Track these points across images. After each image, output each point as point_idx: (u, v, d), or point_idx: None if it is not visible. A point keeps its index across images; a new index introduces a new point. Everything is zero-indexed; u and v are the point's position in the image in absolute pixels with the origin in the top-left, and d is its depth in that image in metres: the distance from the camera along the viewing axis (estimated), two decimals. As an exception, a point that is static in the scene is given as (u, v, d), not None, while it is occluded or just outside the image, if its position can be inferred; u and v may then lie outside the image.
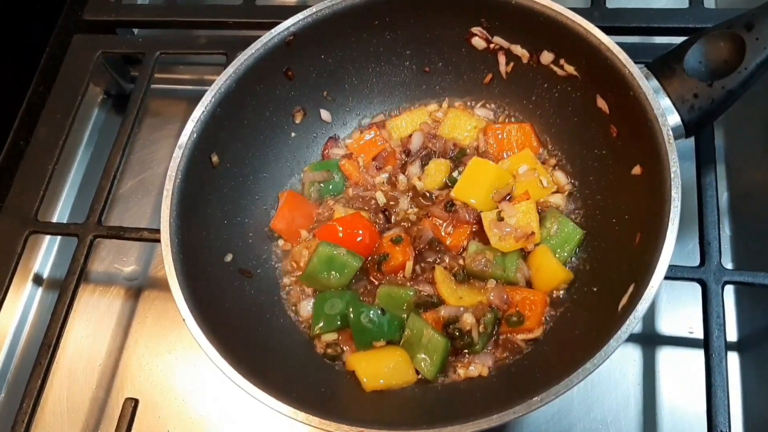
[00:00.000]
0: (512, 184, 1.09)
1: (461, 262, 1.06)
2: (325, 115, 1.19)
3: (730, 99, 0.96)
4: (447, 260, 1.07)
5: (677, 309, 1.12)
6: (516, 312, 0.99)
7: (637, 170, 0.96)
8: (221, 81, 1.03)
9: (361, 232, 1.07)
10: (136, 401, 1.04)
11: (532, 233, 1.03)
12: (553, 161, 1.12)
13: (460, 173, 1.12)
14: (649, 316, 1.12)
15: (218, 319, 0.92)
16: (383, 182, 1.16)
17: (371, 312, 0.99)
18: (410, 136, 1.17)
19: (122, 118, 1.26)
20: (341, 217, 1.10)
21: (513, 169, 1.10)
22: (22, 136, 1.32)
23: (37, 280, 1.31)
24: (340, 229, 1.07)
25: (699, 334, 0.99)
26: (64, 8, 1.48)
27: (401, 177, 1.15)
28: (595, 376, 0.81)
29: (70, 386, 1.17)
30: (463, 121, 1.16)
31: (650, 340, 1.09)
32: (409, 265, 1.06)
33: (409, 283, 1.05)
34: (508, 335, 1.00)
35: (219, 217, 1.05)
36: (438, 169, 1.13)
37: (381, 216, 1.11)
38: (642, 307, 0.81)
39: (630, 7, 1.24)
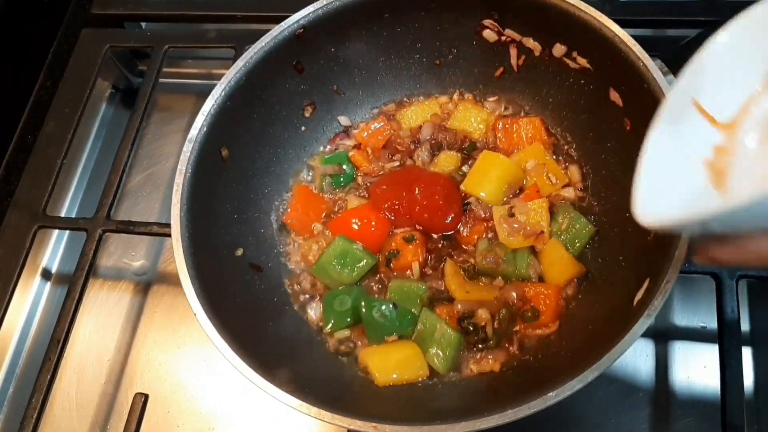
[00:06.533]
0: (523, 178, 1.08)
1: (472, 259, 1.05)
2: (344, 120, 1.19)
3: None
4: (458, 256, 1.06)
5: (690, 303, 1.10)
6: (531, 307, 0.98)
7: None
8: (231, 74, 1.02)
9: (374, 223, 1.06)
10: (146, 396, 1.03)
11: (542, 232, 1.03)
12: (564, 155, 1.11)
13: (470, 167, 1.11)
14: (662, 311, 1.11)
15: (229, 313, 0.91)
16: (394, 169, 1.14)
17: (383, 306, 0.98)
18: (420, 126, 1.16)
19: (130, 113, 1.25)
20: (353, 208, 1.09)
21: (522, 163, 1.09)
22: (30, 131, 1.31)
23: (46, 275, 1.30)
24: (354, 220, 1.06)
25: (712, 328, 0.99)
26: (71, 2, 1.48)
27: (409, 162, 1.14)
28: (606, 371, 0.79)
29: (79, 381, 1.16)
30: (473, 114, 1.15)
31: (663, 334, 1.08)
32: (416, 266, 1.04)
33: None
34: (523, 331, 0.99)
35: (229, 212, 1.04)
36: (448, 160, 1.12)
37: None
38: (658, 302, 0.80)
39: (642, 0, 1.23)
